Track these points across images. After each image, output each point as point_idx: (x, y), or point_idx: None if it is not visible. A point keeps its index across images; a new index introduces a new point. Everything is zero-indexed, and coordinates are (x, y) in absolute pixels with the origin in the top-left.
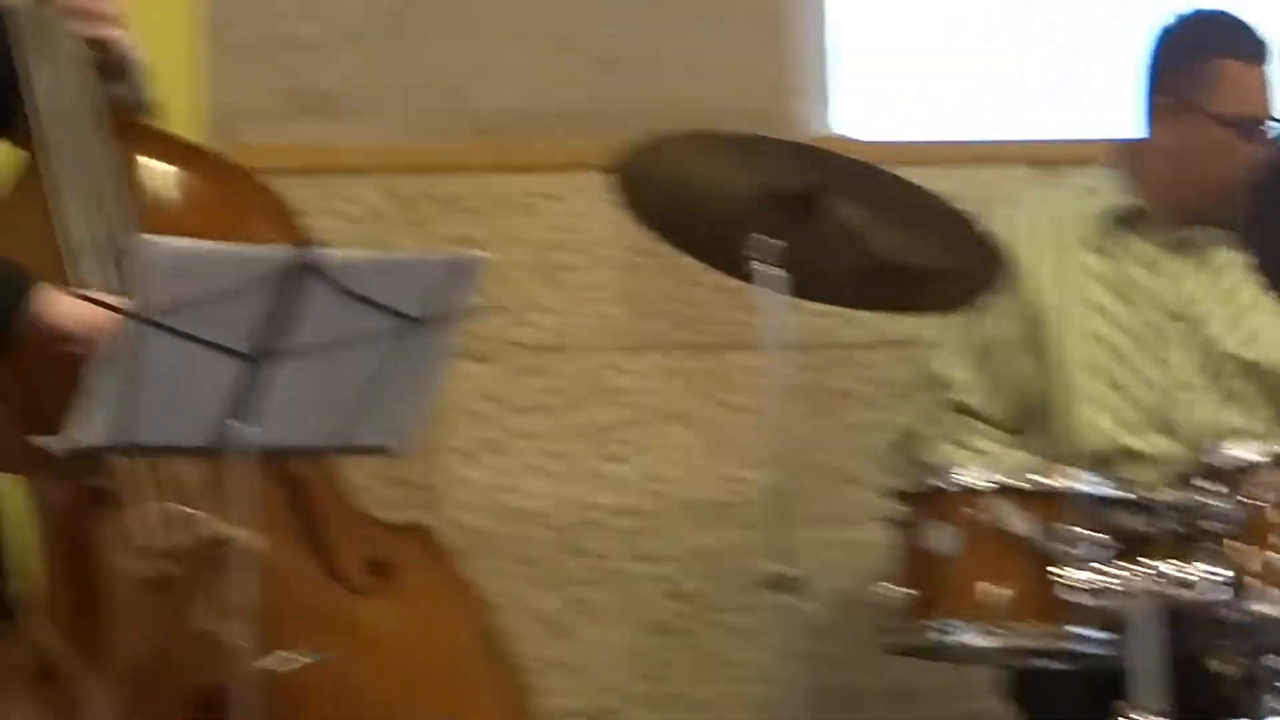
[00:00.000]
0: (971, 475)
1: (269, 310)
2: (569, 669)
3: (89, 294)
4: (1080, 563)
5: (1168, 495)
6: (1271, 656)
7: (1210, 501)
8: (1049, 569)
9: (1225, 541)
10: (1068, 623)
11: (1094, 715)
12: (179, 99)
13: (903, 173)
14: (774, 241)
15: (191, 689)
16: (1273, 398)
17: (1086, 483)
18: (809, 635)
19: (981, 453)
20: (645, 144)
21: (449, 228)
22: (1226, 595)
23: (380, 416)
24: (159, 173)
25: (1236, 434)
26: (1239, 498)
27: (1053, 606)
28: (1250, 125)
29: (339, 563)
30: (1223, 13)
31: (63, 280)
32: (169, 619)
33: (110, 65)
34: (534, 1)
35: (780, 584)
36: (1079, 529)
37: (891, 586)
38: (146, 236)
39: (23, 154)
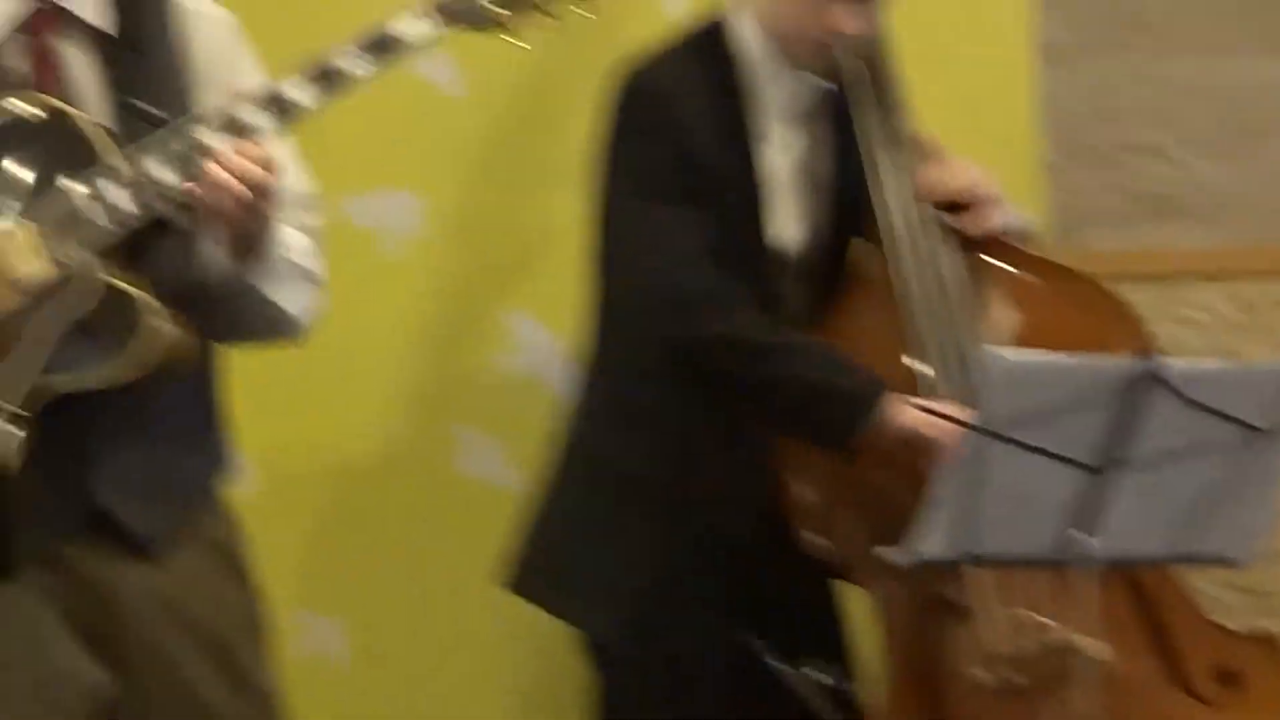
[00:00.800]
0: None
1: (1112, 420)
2: None
3: (933, 405)
4: None
5: None
6: None
7: None
8: None
9: None
10: None
11: None
12: (1024, 203)
13: None
14: None
15: None
16: None
17: None
18: None
19: None
20: None
21: None
22: None
23: (1223, 526)
24: (1007, 282)
25: None
26: None
27: None
28: None
29: (1187, 671)
30: None
31: (907, 386)
32: None
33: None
34: None
35: None
36: None
37: None
38: (992, 348)
39: (871, 254)
